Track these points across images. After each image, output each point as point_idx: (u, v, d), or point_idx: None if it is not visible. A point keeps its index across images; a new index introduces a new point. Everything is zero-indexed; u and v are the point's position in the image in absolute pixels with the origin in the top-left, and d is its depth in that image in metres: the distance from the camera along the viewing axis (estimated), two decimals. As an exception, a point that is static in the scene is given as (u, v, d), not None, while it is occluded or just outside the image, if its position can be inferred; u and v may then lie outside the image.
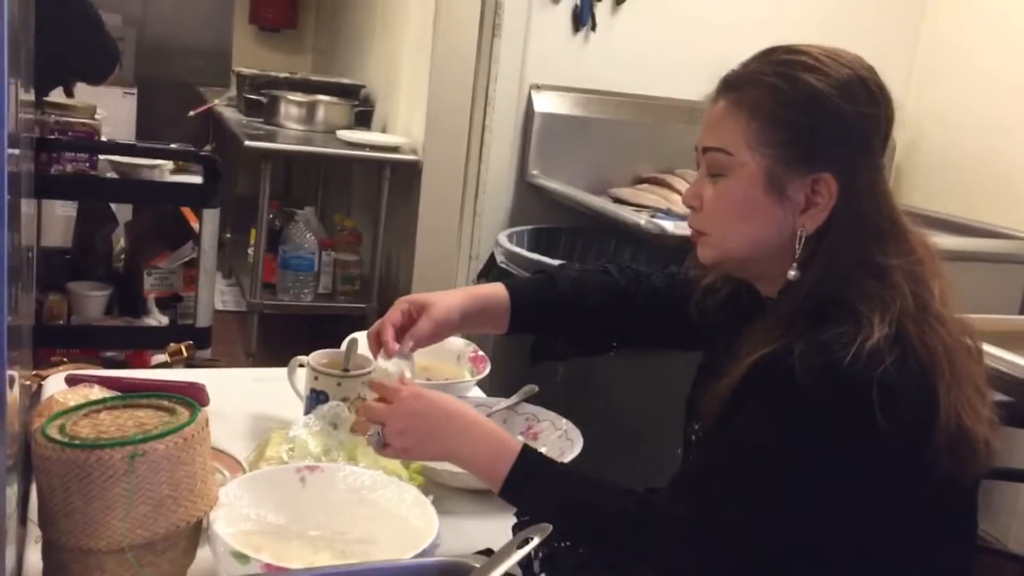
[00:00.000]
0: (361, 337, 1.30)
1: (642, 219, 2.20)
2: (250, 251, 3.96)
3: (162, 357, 2.21)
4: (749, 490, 0.93)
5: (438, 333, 1.19)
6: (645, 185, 2.73)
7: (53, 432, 0.83)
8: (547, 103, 2.71)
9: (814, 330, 0.93)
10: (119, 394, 0.97)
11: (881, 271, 0.96)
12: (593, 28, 2.72)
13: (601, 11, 2.72)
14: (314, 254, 3.70)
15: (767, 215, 1.01)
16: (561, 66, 2.73)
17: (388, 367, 1.14)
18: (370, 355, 1.29)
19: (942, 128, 2.98)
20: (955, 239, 2.54)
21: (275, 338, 3.65)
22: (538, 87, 2.71)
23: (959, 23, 2.95)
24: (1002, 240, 2.57)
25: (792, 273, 1.00)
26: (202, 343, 2.32)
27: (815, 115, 0.98)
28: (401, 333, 1.17)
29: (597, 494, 1.01)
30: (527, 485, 1.02)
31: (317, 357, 1.29)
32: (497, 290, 1.25)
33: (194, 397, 1.23)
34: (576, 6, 2.70)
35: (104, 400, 0.92)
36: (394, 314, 1.19)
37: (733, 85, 1.03)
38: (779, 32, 2.95)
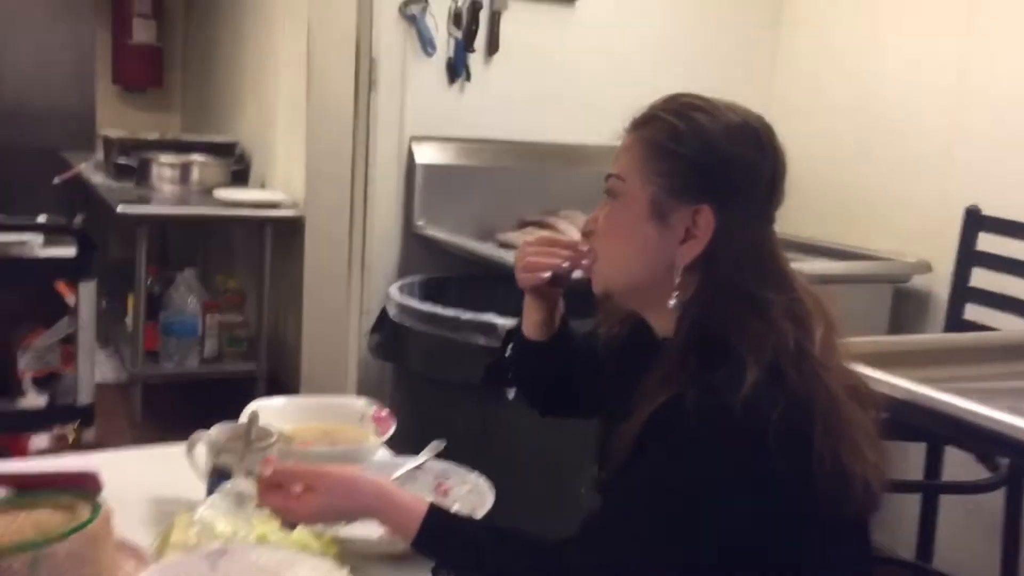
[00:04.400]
0: (262, 407, 1.28)
1: (530, 264, 2.22)
2: (128, 319, 3.83)
3: (43, 439, 2.12)
4: (652, 536, 0.96)
5: None
6: (530, 228, 2.77)
7: (-56, 542, 0.79)
8: (428, 154, 2.73)
9: (703, 373, 0.97)
10: (10, 495, 0.92)
11: (759, 306, 1.00)
12: (468, 78, 2.76)
13: (475, 61, 2.77)
14: (197, 317, 3.60)
15: (647, 240, 1.07)
16: (439, 117, 2.76)
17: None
18: (271, 426, 1.27)
19: (805, 158, 3.10)
20: (824, 263, 2.67)
21: (161, 408, 3.52)
22: (418, 139, 2.73)
23: (812, 57, 3.12)
24: (868, 262, 2.70)
25: (672, 303, 1.05)
26: (86, 422, 2.22)
27: (700, 150, 1.05)
28: None
29: (508, 547, 1.03)
30: (437, 543, 1.04)
31: (217, 431, 1.25)
32: None
33: (87, 486, 1.18)
34: (450, 58, 2.73)
35: (-3, 503, 0.87)
36: None
37: (637, 123, 1.11)
38: (644, 76, 3.10)
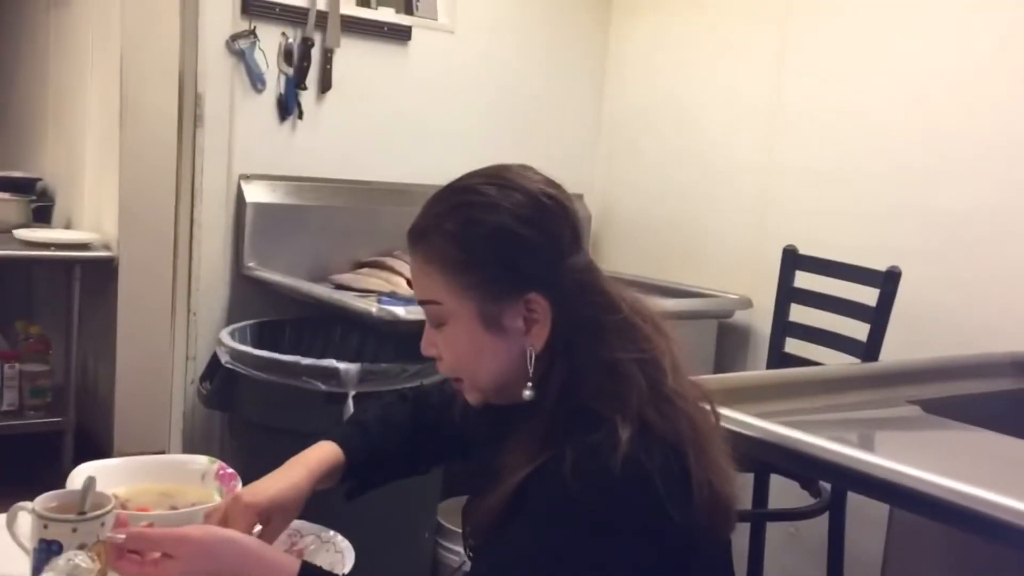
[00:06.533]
0: (97, 472, 1.17)
1: (373, 307, 2.17)
2: (-88, 372, 3.46)
3: None
4: None
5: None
6: (366, 269, 2.72)
7: None
8: (258, 193, 2.62)
9: (576, 439, 0.95)
10: None
11: (613, 367, 1.00)
12: (300, 116, 2.68)
13: (306, 99, 2.70)
14: (-6, 368, 3.30)
15: (497, 349, 1.04)
16: (270, 155, 2.66)
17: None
18: (109, 492, 1.16)
19: (631, 197, 3.25)
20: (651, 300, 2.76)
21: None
22: (247, 177, 2.62)
23: (636, 101, 3.24)
24: (694, 299, 2.81)
25: (527, 393, 1.03)
26: None
27: (500, 249, 1.02)
28: None
29: None
30: None
31: (44, 501, 1.13)
32: (329, 452, 1.22)
33: None
34: (280, 95, 2.65)
35: None
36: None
37: (419, 238, 1.06)
38: (476, 117, 3.12)
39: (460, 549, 2.43)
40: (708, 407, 1.07)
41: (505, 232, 1.01)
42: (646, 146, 3.19)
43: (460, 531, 2.44)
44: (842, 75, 2.63)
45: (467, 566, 2.61)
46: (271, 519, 1.12)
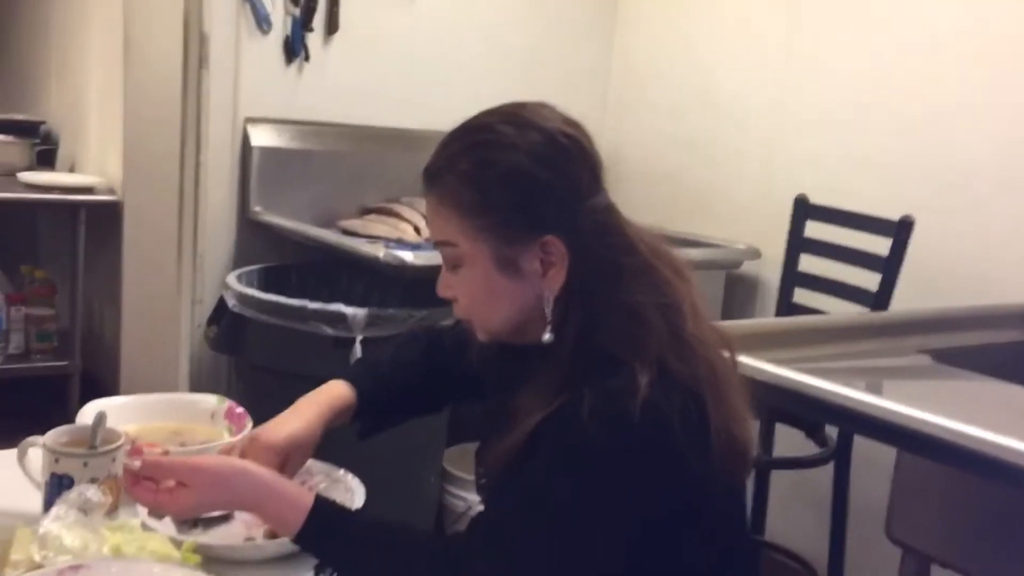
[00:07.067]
0: (108, 409, 1.16)
1: (380, 252, 2.16)
2: (-81, 314, 3.46)
3: None
4: (548, 542, 0.93)
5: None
6: (373, 215, 2.70)
7: None
8: (264, 137, 2.60)
9: (595, 383, 0.94)
10: None
11: (632, 311, 0.98)
12: (307, 59, 2.64)
13: (313, 41, 2.66)
14: (1, 311, 3.30)
15: (512, 291, 1.02)
16: (276, 98, 2.63)
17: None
18: (119, 428, 1.16)
19: (638, 148, 3.21)
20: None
21: (-40, 411, 3.20)
22: (253, 120, 2.59)
23: (647, 48, 3.19)
24: (703, 248, 2.79)
25: (546, 336, 1.01)
26: None
27: (515, 190, 0.99)
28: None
29: (396, 541, 0.99)
30: (323, 538, 0.98)
31: (55, 436, 1.13)
32: (341, 391, 1.21)
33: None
34: (287, 37, 2.61)
35: None
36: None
37: (433, 178, 1.04)
38: (484, 63, 3.06)
39: (465, 495, 2.45)
40: (727, 353, 1.05)
41: (521, 173, 0.99)
42: (656, 93, 3.15)
43: (465, 477, 2.48)
44: (856, 22, 2.59)
45: (473, 511, 2.64)
46: (289, 459, 1.12)
